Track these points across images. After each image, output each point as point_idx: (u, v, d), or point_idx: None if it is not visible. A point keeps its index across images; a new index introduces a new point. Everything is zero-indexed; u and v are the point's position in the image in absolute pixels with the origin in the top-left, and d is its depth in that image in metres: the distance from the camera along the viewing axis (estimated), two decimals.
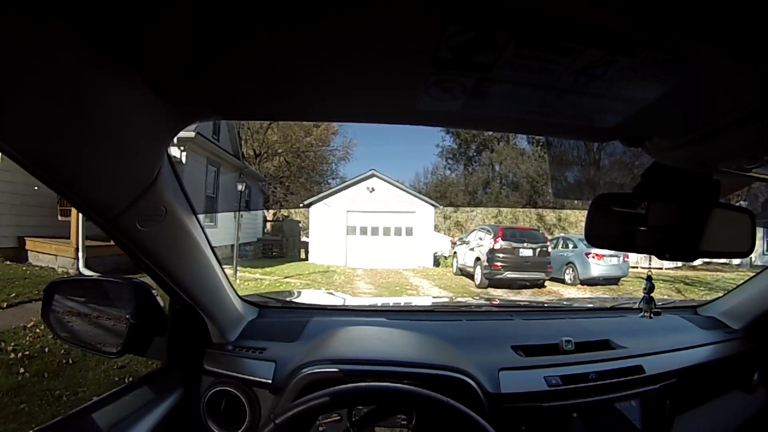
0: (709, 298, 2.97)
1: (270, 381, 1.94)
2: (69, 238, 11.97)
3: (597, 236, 1.40)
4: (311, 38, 0.84)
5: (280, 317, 2.46)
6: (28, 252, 12.41)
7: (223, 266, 1.96)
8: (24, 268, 11.51)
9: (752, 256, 16.19)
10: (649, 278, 2.50)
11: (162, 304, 1.93)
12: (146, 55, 0.89)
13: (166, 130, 1.20)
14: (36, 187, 11.22)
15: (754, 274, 2.67)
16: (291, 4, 0.74)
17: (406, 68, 0.93)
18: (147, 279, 1.82)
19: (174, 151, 12.49)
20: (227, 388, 1.95)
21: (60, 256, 12.12)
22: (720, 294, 2.91)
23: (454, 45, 0.82)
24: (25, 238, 12.44)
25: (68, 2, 0.72)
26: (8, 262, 11.61)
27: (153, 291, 1.89)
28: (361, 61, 0.92)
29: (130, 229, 1.30)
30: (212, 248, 1.80)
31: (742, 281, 2.75)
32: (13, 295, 9.32)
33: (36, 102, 0.82)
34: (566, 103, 1.10)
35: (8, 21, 0.68)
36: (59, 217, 12.56)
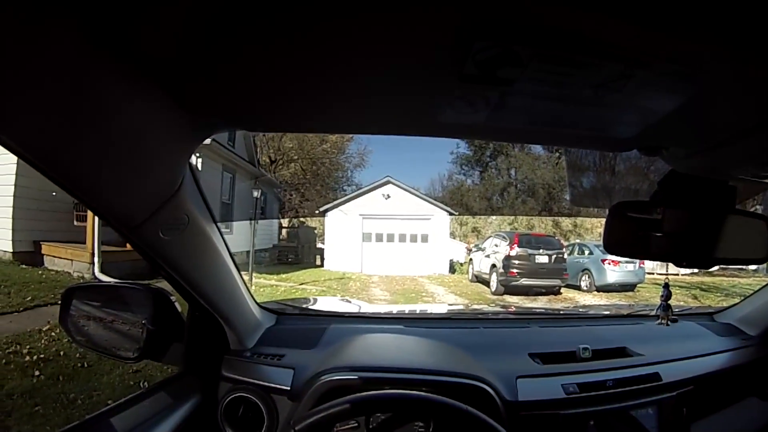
0: (725, 304, 2.95)
1: (288, 388, 1.95)
2: (85, 243, 12.02)
3: (615, 244, 1.41)
4: (338, 54, 0.85)
5: (297, 324, 2.47)
6: (44, 256, 12.47)
7: (240, 271, 1.97)
8: (40, 272, 11.59)
9: None
10: (666, 285, 2.49)
11: (180, 310, 1.94)
12: (168, 69, 0.91)
13: (188, 140, 1.22)
14: (54, 193, 11.28)
15: None
16: (316, 17, 0.75)
17: (432, 82, 0.95)
18: (163, 285, 1.83)
19: None
20: (245, 395, 1.95)
21: (75, 260, 12.18)
22: (736, 300, 2.89)
23: (480, 60, 0.83)
24: (41, 243, 12.50)
25: (91, 18, 0.73)
26: (24, 266, 11.70)
27: (171, 297, 1.90)
28: (388, 75, 0.94)
29: (153, 237, 1.31)
30: (231, 255, 1.82)
31: (758, 287, 2.73)
32: (29, 298, 9.39)
33: (62, 116, 0.83)
34: (586, 115, 1.11)
35: (33, 36, 0.69)
36: (75, 222, 12.59)
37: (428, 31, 0.78)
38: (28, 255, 12.20)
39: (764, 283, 2.67)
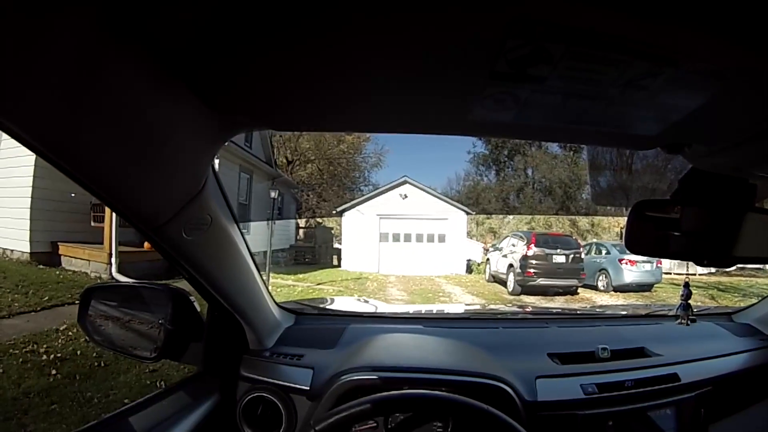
0: (743, 304, 2.93)
1: (308, 388, 1.96)
2: (102, 243, 12.10)
3: (637, 243, 1.41)
4: (367, 52, 0.85)
5: (316, 324, 2.48)
6: (62, 257, 12.59)
7: (260, 271, 1.98)
8: (57, 272, 11.70)
9: None
10: (686, 285, 2.48)
11: (199, 309, 1.95)
12: (194, 67, 0.91)
13: (212, 140, 1.22)
14: (72, 194, 11.38)
15: None
16: (346, 14, 0.75)
17: (463, 80, 0.95)
18: (181, 284, 1.84)
19: None
20: (264, 395, 1.96)
21: (93, 261, 12.27)
22: (755, 300, 2.87)
23: (512, 58, 0.83)
24: (59, 243, 12.62)
25: (119, 17, 0.74)
26: (42, 267, 11.81)
27: (190, 297, 1.91)
28: (418, 73, 0.94)
29: (176, 237, 1.32)
30: (252, 256, 1.82)
31: None
32: (46, 298, 9.48)
33: (87, 114, 0.84)
34: (612, 113, 1.10)
35: (60, 32, 0.70)
36: (92, 223, 12.66)
37: (460, 29, 0.77)
38: (46, 255, 12.31)
39: None
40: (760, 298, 2.84)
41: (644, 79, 0.89)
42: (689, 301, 2.51)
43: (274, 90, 1.04)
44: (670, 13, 0.70)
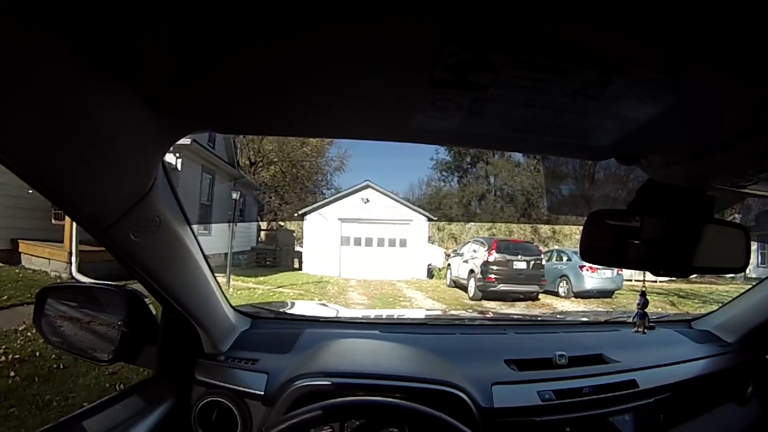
0: (703, 310, 2.98)
1: (262, 393, 1.93)
2: (63, 242, 11.95)
3: (592, 252, 1.41)
4: (307, 54, 0.84)
5: (272, 328, 2.45)
6: (21, 255, 12.41)
7: (216, 275, 1.95)
8: (17, 270, 11.53)
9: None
10: (643, 294, 2.50)
11: (154, 312, 1.92)
12: (139, 68, 0.89)
13: (159, 142, 1.20)
14: (30, 191, 11.16)
15: (748, 286, 2.68)
16: (286, 19, 0.74)
17: (402, 87, 0.94)
18: (139, 286, 1.81)
19: (169, 158, 12.49)
20: (219, 399, 1.94)
21: (53, 260, 12.11)
22: (715, 307, 2.92)
23: (450, 65, 0.83)
24: (19, 241, 12.44)
25: (61, 15, 0.72)
26: (1, 265, 11.60)
27: (145, 299, 1.88)
28: (358, 78, 0.93)
29: (123, 239, 1.30)
30: (206, 258, 1.80)
31: (736, 294, 2.76)
32: (5, 297, 9.33)
33: (29, 113, 0.82)
34: (562, 123, 1.11)
35: (7, 37, 0.68)
36: (53, 221, 12.55)
37: (399, 34, 0.76)
38: (6, 253, 12.12)
39: (742, 291, 2.70)
40: (719, 305, 2.89)
41: (593, 88, 0.89)
42: (646, 310, 2.53)
43: (219, 93, 1.03)
44: (617, 21, 0.70)
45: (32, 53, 0.73)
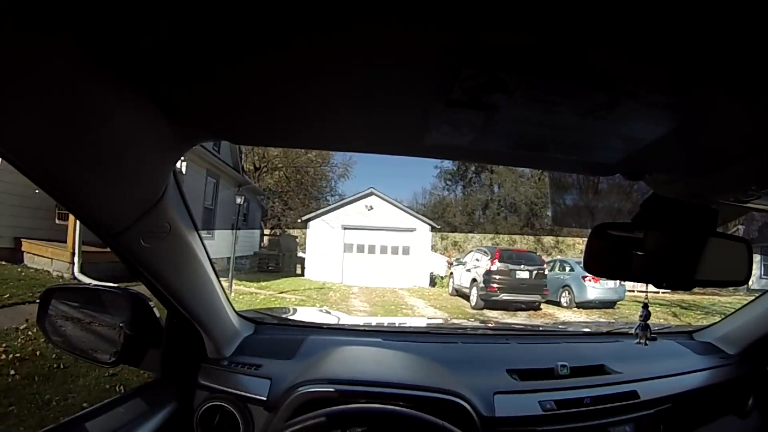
0: (705, 322, 2.98)
1: (265, 398, 1.94)
2: (66, 242, 11.90)
3: (596, 265, 1.42)
4: (325, 71, 0.85)
5: (276, 334, 2.46)
6: (24, 254, 12.34)
7: (220, 279, 1.96)
8: (19, 269, 11.45)
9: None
10: (645, 305, 2.50)
11: (158, 315, 1.92)
12: (156, 78, 0.90)
13: (172, 150, 1.22)
14: (36, 191, 11.16)
15: (751, 298, 2.68)
16: (304, 34, 0.75)
17: (419, 105, 0.96)
18: (142, 288, 1.82)
19: None
20: (221, 404, 1.94)
21: (56, 259, 12.05)
22: (717, 318, 2.92)
23: (467, 87, 0.84)
24: (22, 240, 12.39)
25: (78, 24, 0.73)
26: (3, 263, 11.56)
27: (150, 302, 1.88)
28: (375, 96, 0.95)
29: (133, 244, 1.31)
30: (212, 264, 1.81)
31: (738, 305, 2.76)
32: (7, 296, 9.26)
33: (47, 120, 0.83)
34: (570, 141, 1.12)
35: (19, 41, 0.69)
36: (57, 221, 12.52)
37: (417, 55, 0.78)
38: (8, 251, 12.06)
39: (744, 302, 2.70)
40: (721, 316, 2.89)
41: (602, 109, 0.91)
42: (648, 321, 2.53)
43: (234, 104, 1.05)
44: (626, 46, 0.71)
45: (51, 62, 0.74)
